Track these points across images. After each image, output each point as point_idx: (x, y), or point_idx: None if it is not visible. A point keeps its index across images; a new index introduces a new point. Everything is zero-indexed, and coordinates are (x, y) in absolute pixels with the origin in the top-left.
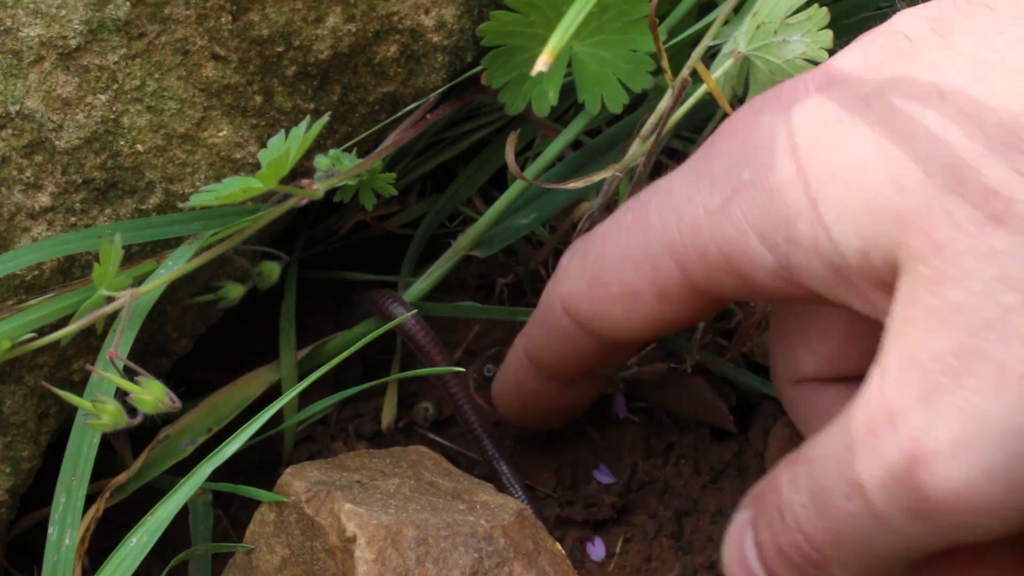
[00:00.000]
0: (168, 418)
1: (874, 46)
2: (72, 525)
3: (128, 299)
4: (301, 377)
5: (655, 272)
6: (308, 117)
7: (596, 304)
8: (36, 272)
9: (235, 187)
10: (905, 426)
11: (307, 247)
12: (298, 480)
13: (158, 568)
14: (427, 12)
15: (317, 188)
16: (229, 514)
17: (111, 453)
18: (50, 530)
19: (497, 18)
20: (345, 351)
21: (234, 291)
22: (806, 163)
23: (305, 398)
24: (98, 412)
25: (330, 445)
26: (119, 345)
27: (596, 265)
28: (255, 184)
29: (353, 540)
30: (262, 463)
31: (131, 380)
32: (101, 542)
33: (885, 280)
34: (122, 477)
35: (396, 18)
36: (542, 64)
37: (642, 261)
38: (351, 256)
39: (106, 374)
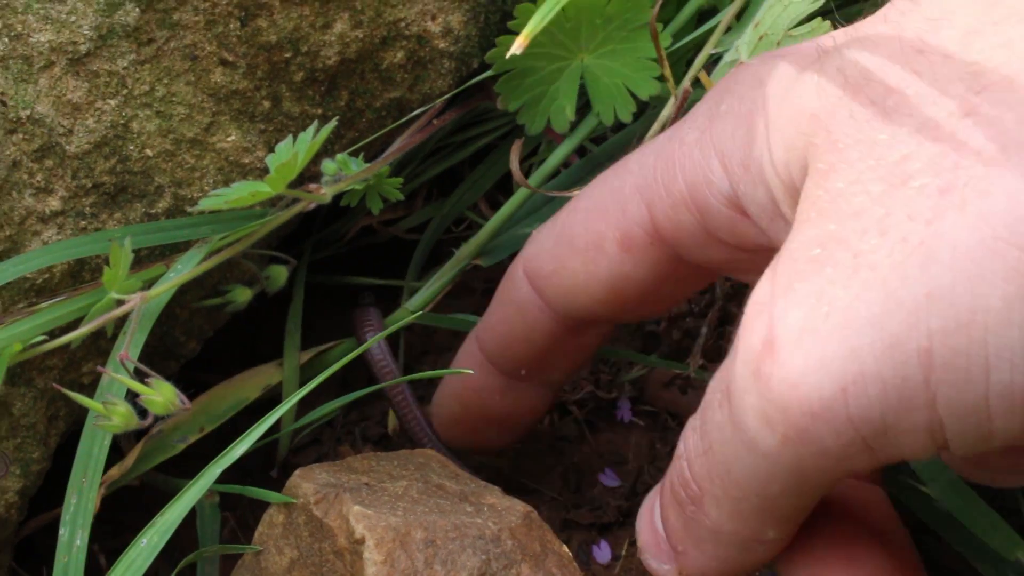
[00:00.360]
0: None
1: (867, 18)
2: (83, 526)
3: (138, 302)
4: (304, 380)
5: (622, 215)
6: (316, 122)
7: (558, 260)
8: (46, 275)
9: (244, 191)
10: (765, 316)
11: (314, 251)
12: (307, 482)
13: (166, 570)
14: (434, 18)
15: (325, 192)
16: (236, 516)
17: (117, 455)
18: (61, 531)
19: (504, 43)
20: (348, 356)
21: (242, 295)
22: (772, 95)
23: (311, 401)
24: (109, 414)
25: (337, 448)
26: (129, 347)
27: (566, 219)
28: (264, 188)
29: (362, 542)
30: (267, 465)
31: (141, 382)
32: (108, 543)
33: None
34: (115, 471)
35: (403, 24)
36: (516, 48)
37: (612, 206)
38: (358, 260)
39: (117, 376)
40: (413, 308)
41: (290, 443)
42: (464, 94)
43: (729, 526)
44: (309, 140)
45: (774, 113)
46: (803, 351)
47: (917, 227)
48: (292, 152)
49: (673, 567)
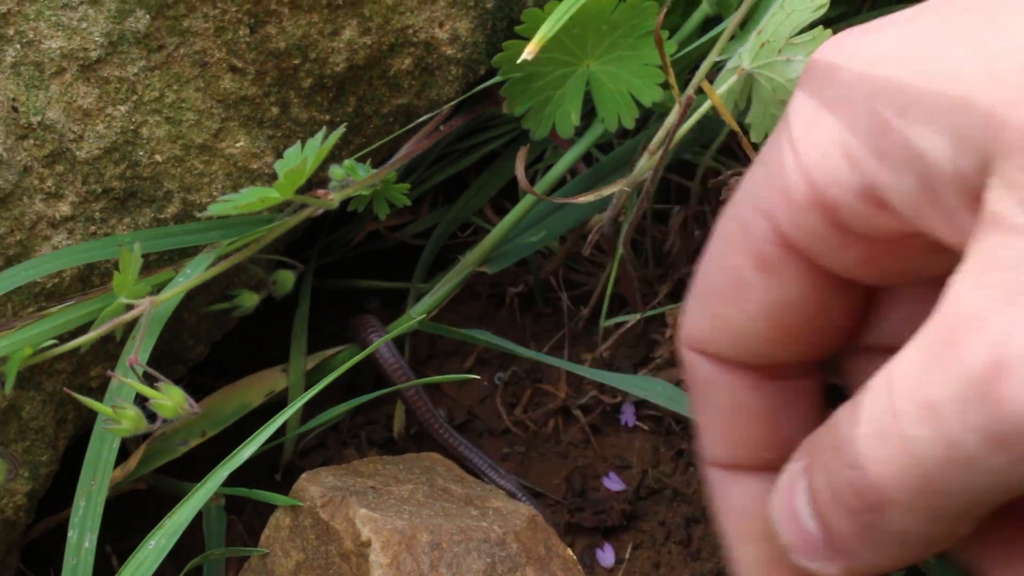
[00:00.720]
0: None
1: None
2: (92, 528)
3: (147, 307)
4: (309, 384)
5: (748, 238)
6: (324, 128)
7: (709, 313)
8: (56, 280)
9: (253, 197)
10: (987, 332)
11: (321, 255)
12: (313, 485)
13: (173, 572)
14: (441, 25)
15: (332, 198)
16: (243, 519)
17: (121, 456)
18: (70, 533)
19: (511, 47)
20: (354, 359)
21: (249, 300)
22: (901, 68)
23: (317, 405)
24: (119, 418)
25: (342, 451)
26: (139, 352)
27: (701, 275)
28: (272, 194)
29: (368, 545)
30: (272, 468)
31: (150, 386)
32: (115, 546)
33: (974, 190)
34: (118, 473)
35: (411, 31)
36: (527, 53)
37: (736, 234)
38: (364, 264)
39: (127, 380)
40: (417, 314)
41: (295, 447)
42: (471, 100)
43: (921, 529)
44: (318, 146)
45: (923, 96)
46: None
47: None
48: (301, 158)
49: (840, 566)
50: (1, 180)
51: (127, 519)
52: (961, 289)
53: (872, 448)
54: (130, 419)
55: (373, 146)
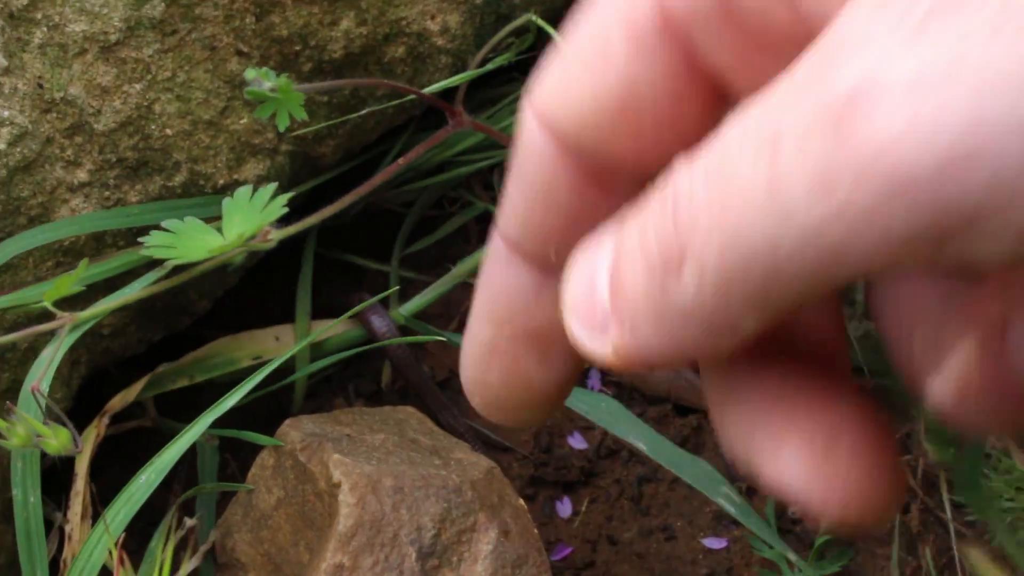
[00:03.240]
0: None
1: None
2: (33, 487)
3: (67, 324)
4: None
5: (627, 3)
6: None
7: (566, 80)
8: (73, 239)
9: (201, 249)
10: (864, 57)
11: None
12: (295, 431)
13: (170, 503)
14: (433, 18)
15: (272, 238)
16: (239, 459)
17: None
18: (15, 491)
19: None
20: (343, 318)
21: (239, 257)
22: None
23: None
24: (8, 434)
25: (332, 401)
26: (42, 380)
27: (573, 37)
28: (217, 242)
29: (338, 486)
30: (272, 417)
31: (54, 415)
32: (118, 479)
33: None
34: (117, 401)
35: (404, 22)
36: None
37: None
38: (363, 232)
39: (23, 413)
40: (408, 312)
41: (293, 395)
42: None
43: (707, 303)
44: (262, 207)
45: None
46: (911, 108)
47: None
48: (244, 226)
49: (615, 334)
50: (26, 149)
51: (138, 454)
52: (847, 16)
53: (697, 191)
54: (19, 437)
55: (368, 127)
